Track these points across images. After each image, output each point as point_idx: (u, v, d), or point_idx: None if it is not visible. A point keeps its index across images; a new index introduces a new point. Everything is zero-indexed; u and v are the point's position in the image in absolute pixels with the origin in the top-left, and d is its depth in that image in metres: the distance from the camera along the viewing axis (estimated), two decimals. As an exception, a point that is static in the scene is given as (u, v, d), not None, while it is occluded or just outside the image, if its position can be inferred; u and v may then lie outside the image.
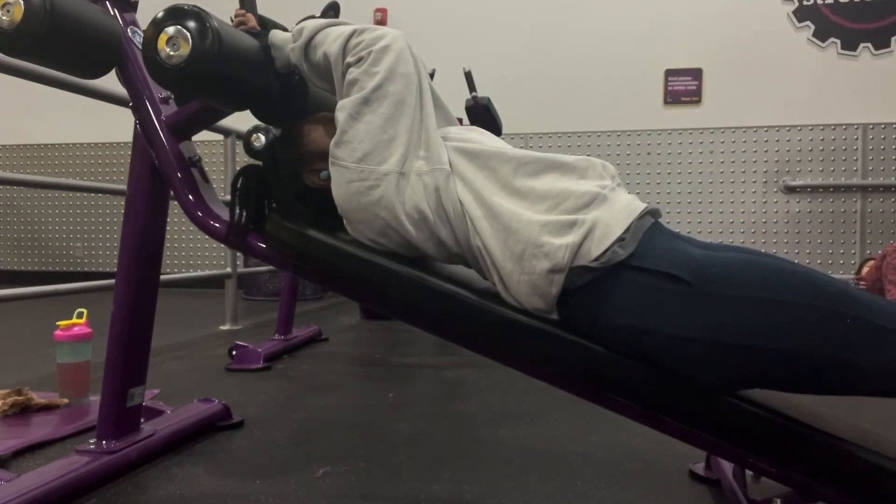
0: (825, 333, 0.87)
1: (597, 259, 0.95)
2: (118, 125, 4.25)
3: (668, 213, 4.87)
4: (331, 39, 1.10)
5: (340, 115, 1.07)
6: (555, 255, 0.96)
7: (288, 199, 1.18)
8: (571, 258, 0.96)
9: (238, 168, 1.91)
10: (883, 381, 0.89)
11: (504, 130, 3.60)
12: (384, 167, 1.04)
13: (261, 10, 1.32)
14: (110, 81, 1.57)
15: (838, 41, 4.71)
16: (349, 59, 1.08)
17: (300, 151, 1.18)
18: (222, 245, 1.27)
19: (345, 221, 1.11)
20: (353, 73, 1.07)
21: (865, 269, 4.12)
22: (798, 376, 0.90)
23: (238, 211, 1.20)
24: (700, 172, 4.87)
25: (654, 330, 0.92)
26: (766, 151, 4.80)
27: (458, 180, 1.06)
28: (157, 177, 1.37)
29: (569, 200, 1.00)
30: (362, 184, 1.05)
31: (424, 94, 1.12)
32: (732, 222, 4.84)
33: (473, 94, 3.27)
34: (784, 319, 0.88)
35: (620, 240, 0.96)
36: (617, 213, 0.99)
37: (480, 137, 1.16)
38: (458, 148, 1.09)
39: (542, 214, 1.00)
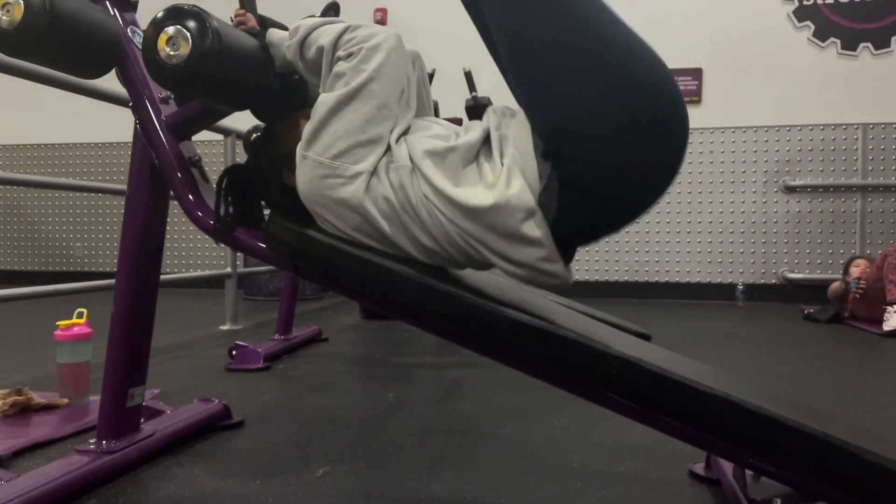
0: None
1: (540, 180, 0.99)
2: (118, 125, 4.24)
3: (668, 212, 4.87)
4: (325, 34, 1.11)
5: (321, 108, 1.06)
6: (519, 204, 0.98)
7: (274, 198, 1.18)
8: (533, 196, 0.99)
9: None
10: None
11: (504, 130, 3.60)
12: (358, 167, 1.05)
13: (261, 10, 1.32)
14: (110, 81, 1.57)
15: (838, 41, 4.71)
16: (339, 52, 1.08)
17: (281, 151, 1.18)
18: (222, 245, 1.28)
19: (314, 215, 1.11)
20: (341, 66, 1.07)
21: (854, 269, 4.09)
22: None
23: (223, 207, 1.20)
24: (700, 172, 4.86)
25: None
26: (766, 151, 4.80)
27: (419, 175, 1.05)
28: (157, 177, 1.37)
29: (503, 157, 1.04)
30: (335, 180, 1.05)
31: (410, 100, 1.12)
32: (732, 222, 4.83)
33: (473, 94, 3.26)
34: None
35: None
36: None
37: (438, 130, 1.15)
38: (417, 141, 1.08)
39: (490, 187, 1.02)
